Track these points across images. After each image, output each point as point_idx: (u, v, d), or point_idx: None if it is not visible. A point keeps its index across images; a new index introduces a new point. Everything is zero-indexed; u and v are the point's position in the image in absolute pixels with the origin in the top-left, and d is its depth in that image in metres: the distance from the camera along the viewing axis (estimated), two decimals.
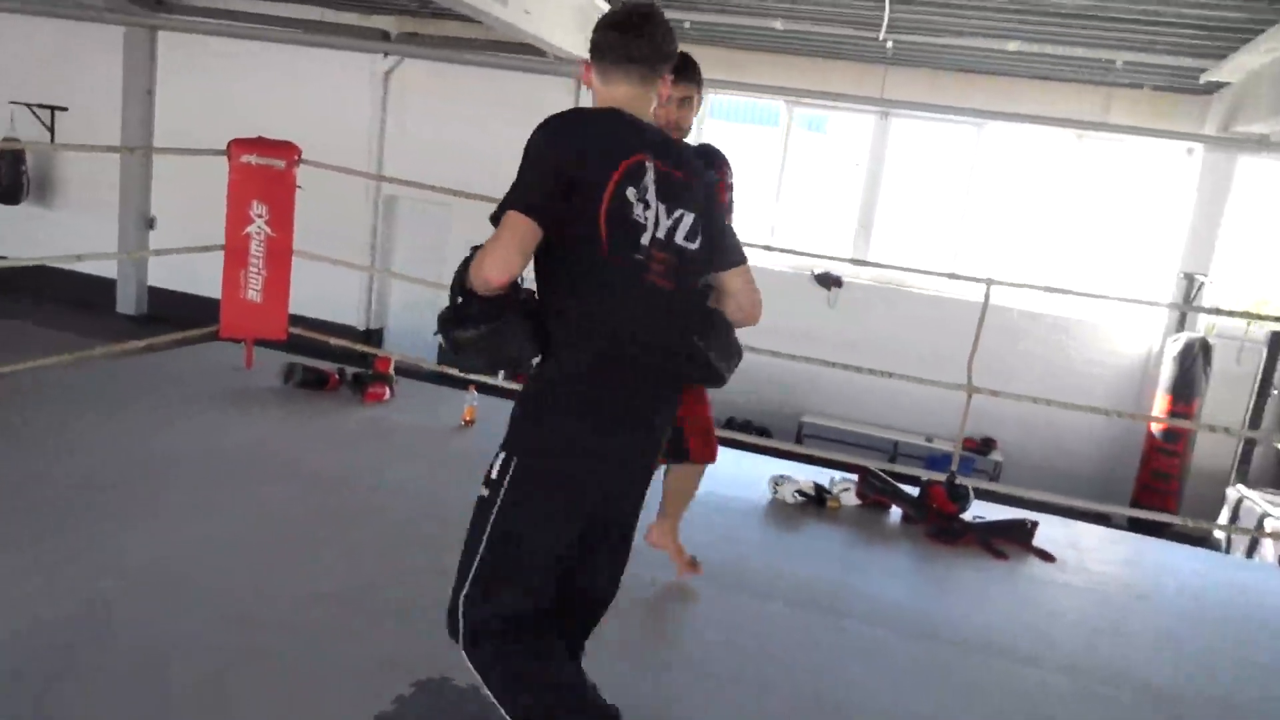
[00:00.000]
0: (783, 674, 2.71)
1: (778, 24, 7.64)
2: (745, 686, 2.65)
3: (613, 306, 1.82)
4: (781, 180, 9.25)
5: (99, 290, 10.58)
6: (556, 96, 8.77)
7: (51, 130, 10.46)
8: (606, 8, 7.97)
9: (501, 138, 10.07)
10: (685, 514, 3.24)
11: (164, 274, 10.42)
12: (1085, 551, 4.17)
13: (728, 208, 2.78)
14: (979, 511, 4.29)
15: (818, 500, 4.18)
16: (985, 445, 8.49)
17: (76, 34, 10.33)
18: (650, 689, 2.57)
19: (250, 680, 2.32)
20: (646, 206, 1.82)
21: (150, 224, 10.51)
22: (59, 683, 2.22)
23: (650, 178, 1.82)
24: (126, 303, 10.69)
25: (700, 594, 3.20)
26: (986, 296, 4.48)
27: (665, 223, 1.84)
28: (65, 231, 10.19)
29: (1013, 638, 3.21)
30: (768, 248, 8.38)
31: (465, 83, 9.26)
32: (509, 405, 4.96)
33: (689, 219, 1.88)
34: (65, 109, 10.51)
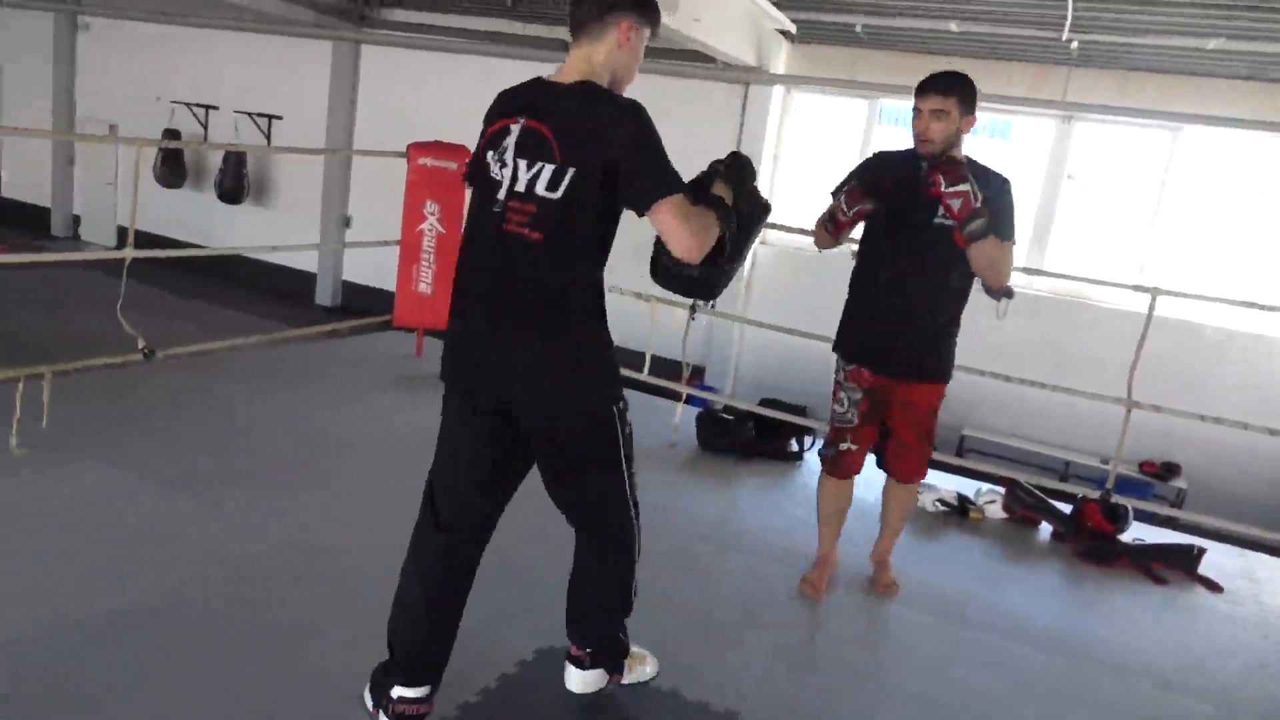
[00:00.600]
0: (914, 681, 2.69)
1: (953, 26, 7.43)
2: (876, 691, 2.67)
3: (468, 255, 2.09)
4: None
5: (301, 283, 11.59)
6: (724, 99, 8.89)
7: (268, 137, 11.56)
8: (780, 18, 8.03)
9: (671, 142, 10.33)
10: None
11: (357, 268, 11.28)
12: (1260, 583, 3.85)
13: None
14: (1140, 534, 4.05)
15: (960, 510, 4.08)
16: (1167, 470, 7.90)
17: (292, 49, 11.38)
18: (792, 688, 2.63)
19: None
20: (503, 165, 1.98)
21: (347, 222, 11.41)
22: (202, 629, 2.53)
23: (512, 139, 1.97)
24: (324, 294, 11.65)
25: (833, 598, 3.21)
26: (1151, 307, 4.21)
27: (535, 176, 1.94)
28: (278, 229, 11.21)
29: (1158, 662, 3.04)
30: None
31: (632, 89, 9.53)
32: (650, 400, 5.05)
33: (548, 170, 1.93)
34: (280, 118, 11.59)
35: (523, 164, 1.94)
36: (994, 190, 2.73)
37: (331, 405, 4.50)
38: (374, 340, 5.83)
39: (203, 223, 11.94)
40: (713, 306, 4.64)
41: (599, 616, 2.33)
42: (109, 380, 4.28)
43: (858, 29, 8.06)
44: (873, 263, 2.97)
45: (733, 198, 2.13)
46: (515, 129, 1.96)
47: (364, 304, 9.98)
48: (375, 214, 9.72)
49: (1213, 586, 3.72)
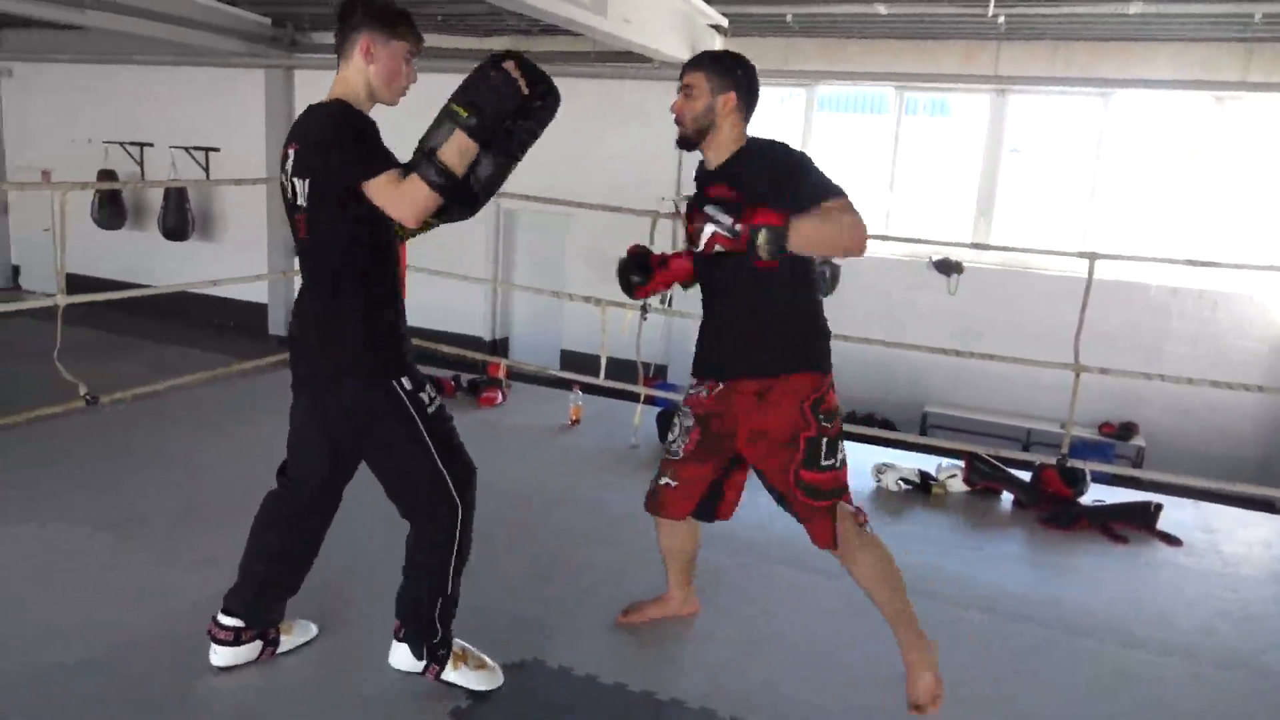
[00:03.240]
0: (884, 659, 2.71)
1: (881, 8, 7.50)
2: (845, 669, 2.68)
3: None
4: (894, 168, 9.05)
5: (254, 314, 11.43)
6: (662, 99, 8.90)
7: (207, 170, 11.39)
8: (710, 14, 8.07)
9: (615, 144, 10.41)
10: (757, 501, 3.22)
11: None
12: (1217, 534, 3.93)
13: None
14: (1100, 496, 4.12)
15: (923, 488, 4.11)
16: (1125, 430, 8.04)
17: (223, 80, 11.22)
18: (749, 671, 2.64)
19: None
20: (289, 184, 2.21)
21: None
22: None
23: (290, 162, 2.19)
24: (277, 324, 11.49)
25: (796, 580, 3.22)
26: (1090, 271, 4.29)
27: (299, 189, 2.18)
28: (226, 262, 11.04)
29: (1126, 621, 3.09)
30: (884, 237, 8.26)
31: (575, 95, 9.52)
32: (611, 404, 5.09)
33: (300, 183, 2.18)
34: (218, 149, 11.43)
35: (296, 181, 2.18)
36: (777, 166, 2.35)
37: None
38: None
39: (148, 263, 11.75)
40: (668, 304, 4.65)
41: (408, 591, 2.34)
42: (49, 431, 4.16)
43: (788, 19, 8.12)
44: (702, 275, 2.55)
45: (472, 127, 2.10)
46: (291, 153, 2.20)
47: None
48: None
49: (1172, 541, 3.79)
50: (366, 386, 2.21)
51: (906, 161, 9.09)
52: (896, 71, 8.71)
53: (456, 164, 2.09)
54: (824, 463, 2.36)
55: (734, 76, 2.40)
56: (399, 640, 2.37)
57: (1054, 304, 8.09)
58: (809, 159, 2.35)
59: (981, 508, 4.07)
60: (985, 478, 4.14)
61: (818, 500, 2.38)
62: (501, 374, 5.44)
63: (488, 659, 2.45)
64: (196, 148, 11.36)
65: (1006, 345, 5.72)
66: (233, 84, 11.19)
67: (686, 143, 2.44)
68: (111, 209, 11.67)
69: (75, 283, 4.04)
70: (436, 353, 5.71)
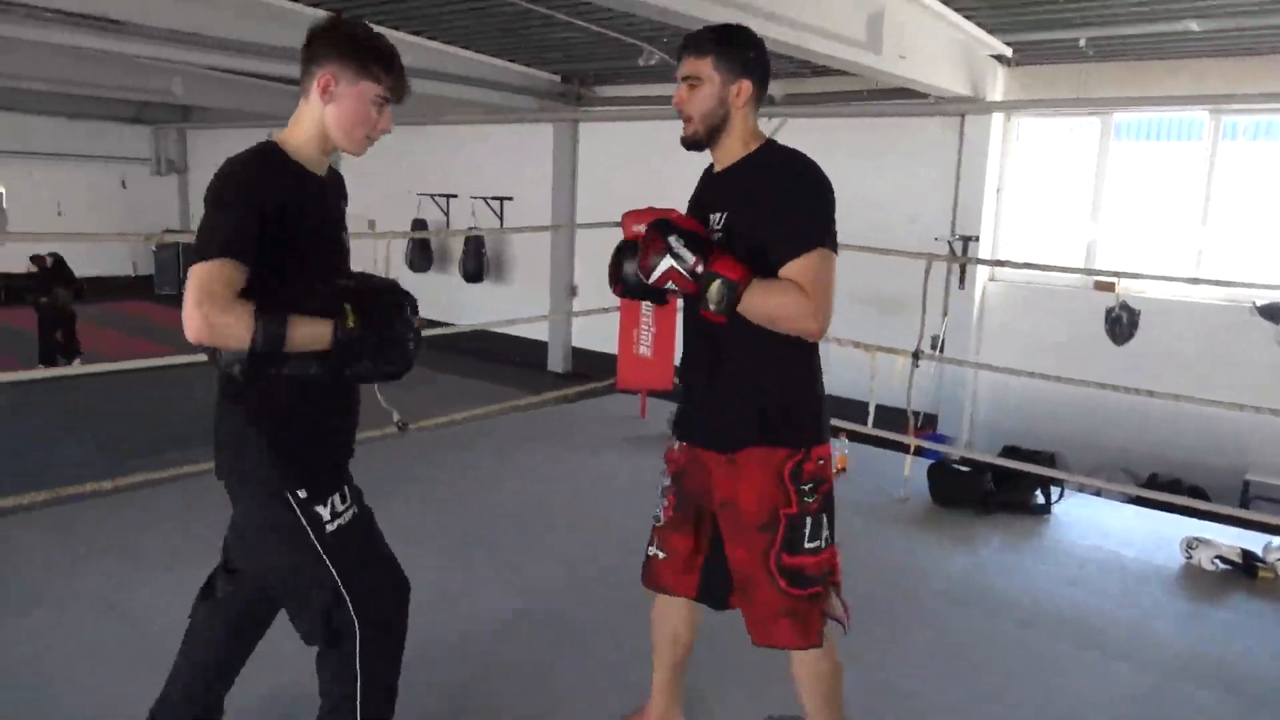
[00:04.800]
0: None
1: (1194, 25, 6.79)
2: None
3: None
4: (1208, 200, 8.08)
5: (536, 351, 12.28)
6: (937, 135, 8.58)
7: (501, 217, 12.46)
8: (993, 43, 7.69)
9: (886, 182, 10.14)
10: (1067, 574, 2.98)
11: (585, 335, 11.82)
12: None
13: None
14: None
15: (1246, 569, 3.59)
16: None
17: (517, 135, 12.25)
18: None
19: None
20: None
21: (574, 291, 12.00)
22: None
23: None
24: (555, 361, 12.27)
25: (1093, 662, 2.92)
26: None
27: None
28: (514, 303, 11.99)
29: None
30: (1194, 280, 7.40)
31: (847, 133, 9.41)
32: (877, 453, 4.95)
33: None
34: (511, 199, 12.47)
35: None
36: (777, 191, 1.93)
37: (565, 464, 4.73)
38: (602, 403, 6.06)
39: (449, 302, 13.00)
40: (940, 350, 4.46)
41: None
42: (366, 452, 4.70)
43: (1081, 43, 7.54)
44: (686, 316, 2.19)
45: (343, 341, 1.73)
46: None
47: (592, 368, 10.41)
48: (599, 281, 10.14)
49: None
50: (265, 485, 1.85)
51: (1223, 193, 8.08)
52: (1211, 94, 7.80)
53: (296, 343, 1.68)
54: (808, 545, 1.97)
55: (746, 60, 1.97)
56: None
57: None
58: (815, 192, 1.93)
59: None
60: None
61: (803, 589, 1.97)
62: None
63: None
64: (493, 197, 12.46)
65: None
66: (524, 138, 12.18)
67: (694, 143, 2.03)
68: (421, 254, 13.07)
69: None
70: None
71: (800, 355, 2.01)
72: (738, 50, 1.98)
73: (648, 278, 1.92)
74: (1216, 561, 3.61)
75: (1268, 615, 3.36)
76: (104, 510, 3.86)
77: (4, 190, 14.93)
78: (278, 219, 1.70)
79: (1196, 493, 7.06)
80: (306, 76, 1.80)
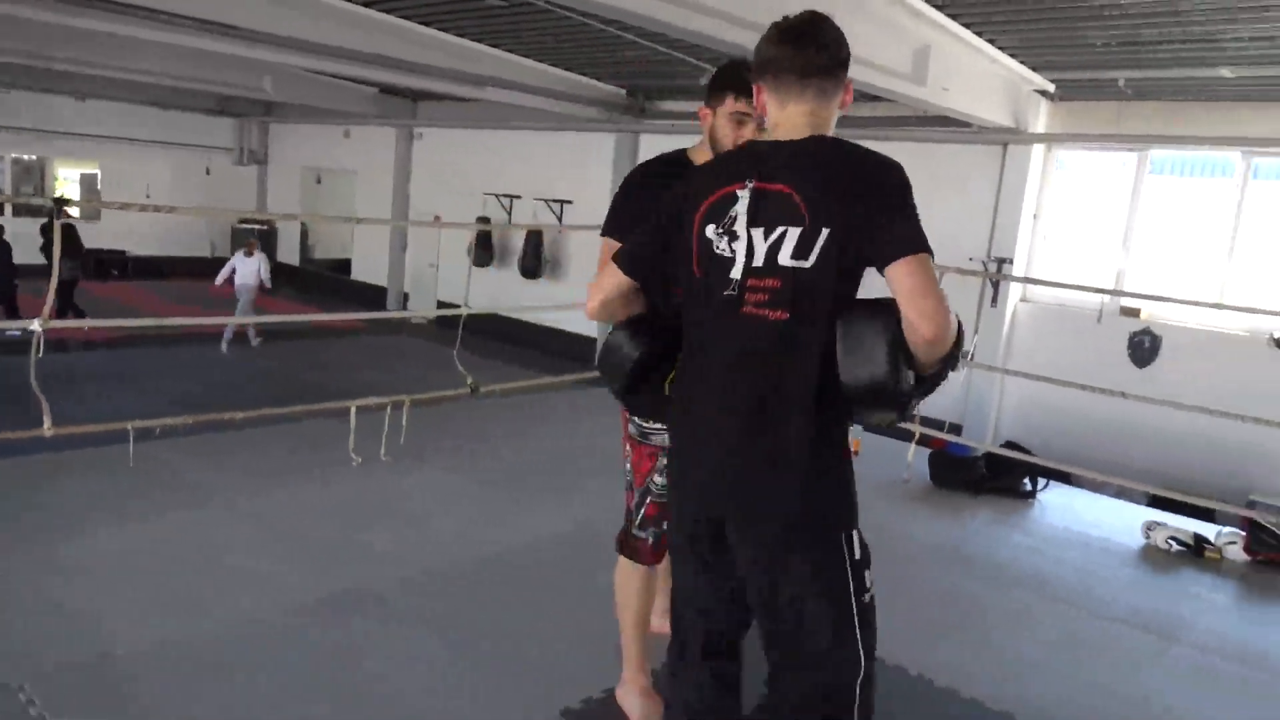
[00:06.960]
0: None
1: (1226, 72, 7.21)
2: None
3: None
4: (1235, 235, 8.45)
5: (583, 345, 12.96)
6: (979, 161, 9.07)
7: (560, 219, 13.19)
8: (1036, 79, 8.16)
9: (930, 207, 10.53)
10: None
11: None
12: None
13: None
14: None
15: (1195, 550, 4.09)
16: None
17: (581, 142, 12.98)
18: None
19: None
20: (734, 238, 1.71)
21: None
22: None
23: (741, 206, 1.71)
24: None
25: (1046, 610, 3.46)
26: None
27: (762, 246, 1.68)
28: (568, 299, 12.67)
29: None
30: (1218, 306, 7.77)
31: (894, 155, 9.88)
32: (888, 442, 5.48)
33: (794, 234, 1.66)
34: (570, 202, 13.19)
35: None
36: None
37: (606, 426, 5.40)
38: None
39: (506, 296, 13.75)
40: (971, 358, 4.88)
41: None
42: (445, 410, 5.50)
43: (1120, 83, 7.98)
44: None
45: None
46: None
47: None
48: None
49: None
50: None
51: (1250, 230, 8.46)
52: (1242, 136, 8.20)
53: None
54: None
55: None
56: None
57: None
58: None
59: (1263, 581, 3.97)
60: (1270, 549, 4.03)
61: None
62: None
63: None
64: (554, 200, 13.20)
65: None
66: (587, 146, 12.90)
67: None
68: (483, 250, 13.86)
69: (445, 308, 5.38)
70: None
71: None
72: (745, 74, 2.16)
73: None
74: (1171, 541, 4.11)
75: (1204, 584, 3.86)
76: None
77: (99, 172, 16.14)
78: None
79: (1203, 513, 7.46)
80: (836, 86, 1.90)
